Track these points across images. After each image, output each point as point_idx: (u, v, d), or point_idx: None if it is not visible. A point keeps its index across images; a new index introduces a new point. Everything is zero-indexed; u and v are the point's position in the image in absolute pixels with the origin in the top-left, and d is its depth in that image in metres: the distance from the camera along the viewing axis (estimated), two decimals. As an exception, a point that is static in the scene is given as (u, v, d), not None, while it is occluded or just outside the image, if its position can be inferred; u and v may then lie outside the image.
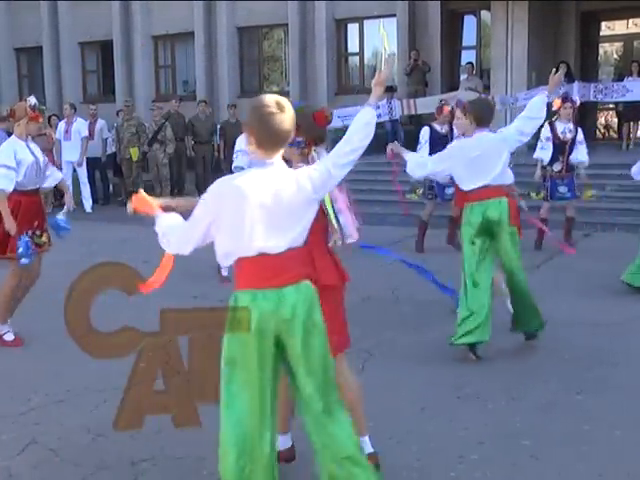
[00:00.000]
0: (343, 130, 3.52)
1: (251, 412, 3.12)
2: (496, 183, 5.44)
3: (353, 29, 18.01)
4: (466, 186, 5.52)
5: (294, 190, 3.06)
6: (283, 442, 3.77)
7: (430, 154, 7.21)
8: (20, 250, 5.78)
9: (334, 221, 3.57)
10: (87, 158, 14.45)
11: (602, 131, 18.42)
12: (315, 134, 3.54)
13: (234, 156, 7.51)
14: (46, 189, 6.66)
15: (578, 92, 14.09)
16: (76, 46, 20.62)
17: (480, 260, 5.41)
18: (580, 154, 9.28)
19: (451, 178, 5.95)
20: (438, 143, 8.53)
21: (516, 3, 14.85)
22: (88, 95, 20.68)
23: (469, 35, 17.65)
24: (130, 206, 3.44)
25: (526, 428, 4.26)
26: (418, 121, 14.63)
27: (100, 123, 15.42)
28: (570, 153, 9.24)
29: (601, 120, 18.49)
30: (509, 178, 5.76)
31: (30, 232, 5.94)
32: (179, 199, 3.82)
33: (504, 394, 4.77)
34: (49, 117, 14.84)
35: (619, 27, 18.68)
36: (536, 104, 5.64)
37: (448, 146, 5.84)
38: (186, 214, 3.24)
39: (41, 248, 6.10)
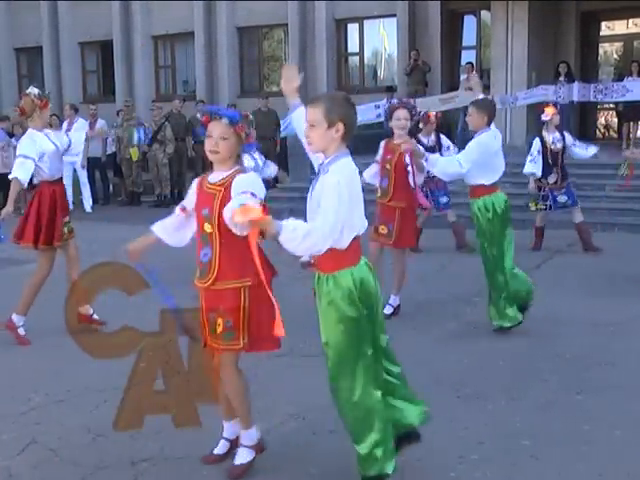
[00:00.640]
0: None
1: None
2: None
3: (353, 29, 17.98)
4: (487, 180, 5.94)
5: None
6: (243, 434, 3.82)
7: None
8: None
9: None
10: (87, 158, 14.45)
11: (602, 131, 18.40)
12: None
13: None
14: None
15: (578, 92, 14.27)
16: (76, 46, 20.62)
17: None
18: (582, 152, 9.27)
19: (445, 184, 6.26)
20: None
21: (516, 3, 14.86)
22: (88, 95, 20.67)
23: (469, 35, 17.62)
24: (238, 219, 3.01)
25: (526, 428, 4.25)
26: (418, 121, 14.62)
27: (100, 123, 15.41)
28: (563, 162, 9.17)
29: (601, 120, 18.46)
30: None
31: (67, 218, 6.18)
32: None
33: (504, 394, 4.77)
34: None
35: (619, 27, 18.57)
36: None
37: (469, 143, 5.93)
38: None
39: (71, 234, 6.28)
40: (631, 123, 14.91)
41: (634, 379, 5.04)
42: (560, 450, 3.99)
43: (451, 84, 16.53)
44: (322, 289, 3.38)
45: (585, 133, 15.77)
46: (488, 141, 5.87)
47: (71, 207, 6.63)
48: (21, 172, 5.85)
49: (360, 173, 3.54)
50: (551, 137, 9.10)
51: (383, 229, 6.32)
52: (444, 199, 9.26)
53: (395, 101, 6.23)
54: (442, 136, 9.44)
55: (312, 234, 3.16)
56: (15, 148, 6.75)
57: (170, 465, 3.93)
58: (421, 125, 8.96)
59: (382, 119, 15.41)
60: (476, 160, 5.73)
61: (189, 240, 3.78)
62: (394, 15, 16.85)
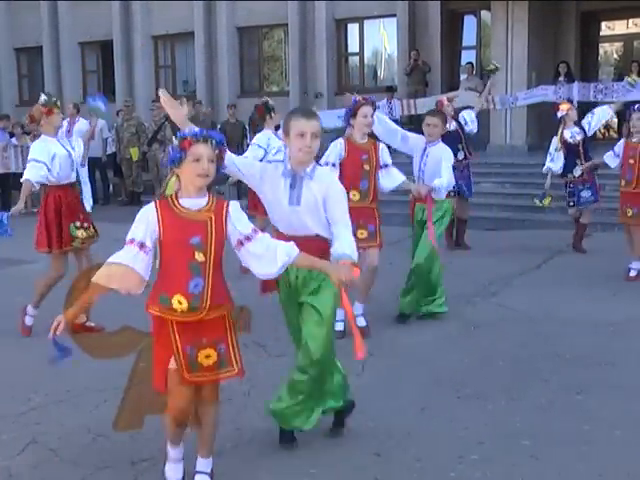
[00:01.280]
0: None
1: None
2: None
3: (353, 29, 17.99)
4: None
5: None
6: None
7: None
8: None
9: None
10: (87, 158, 14.45)
11: (602, 131, 18.37)
12: None
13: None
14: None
15: (578, 92, 14.15)
16: (76, 46, 20.62)
17: None
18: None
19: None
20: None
21: (516, 3, 14.85)
22: (88, 95, 20.69)
23: (469, 35, 17.63)
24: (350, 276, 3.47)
25: (526, 428, 4.25)
26: (418, 121, 14.67)
27: (100, 123, 15.40)
28: (586, 154, 9.12)
29: None
30: None
31: (78, 223, 6.17)
32: None
33: (504, 394, 4.77)
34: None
35: (619, 27, 18.67)
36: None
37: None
38: None
39: (91, 240, 6.31)
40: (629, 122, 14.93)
41: (634, 379, 5.04)
42: (560, 450, 3.98)
43: (451, 84, 16.52)
44: (313, 274, 3.83)
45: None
46: None
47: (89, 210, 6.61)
48: (32, 174, 5.93)
49: None
50: (569, 132, 9.10)
51: (362, 233, 5.91)
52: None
53: (356, 98, 5.93)
54: (461, 114, 9.77)
55: (352, 239, 3.75)
56: (15, 148, 6.77)
57: (170, 465, 3.92)
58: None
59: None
60: None
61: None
62: (394, 15, 16.86)
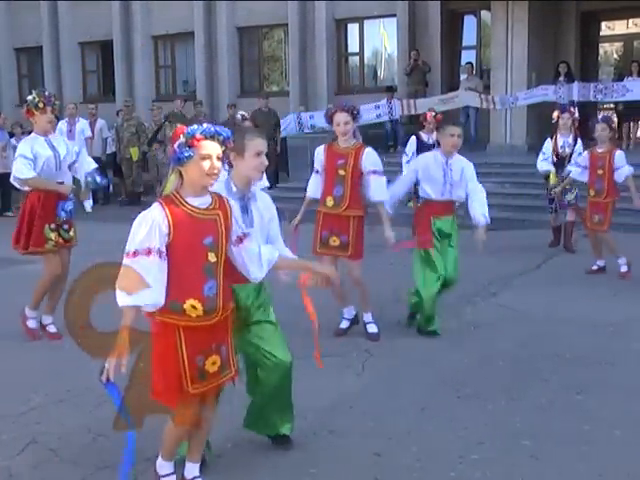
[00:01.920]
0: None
1: None
2: None
3: (353, 29, 17.99)
4: None
5: None
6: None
7: None
8: None
9: None
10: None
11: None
12: None
13: None
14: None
15: (578, 92, 14.30)
16: (76, 46, 20.63)
17: None
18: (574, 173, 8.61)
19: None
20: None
21: (516, 3, 14.88)
22: (88, 95, 20.69)
23: (469, 35, 17.65)
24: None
25: (526, 428, 4.25)
26: (419, 121, 14.71)
27: (100, 123, 15.44)
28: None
29: None
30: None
31: (54, 225, 5.99)
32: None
33: (504, 394, 4.77)
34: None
35: (619, 27, 18.78)
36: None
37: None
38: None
39: (69, 243, 6.17)
40: (631, 123, 14.96)
41: (634, 379, 5.04)
42: (560, 450, 3.99)
43: (451, 84, 16.57)
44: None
45: (585, 133, 15.78)
46: None
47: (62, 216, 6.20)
48: (24, 170, 5.86)
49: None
50: (561, 140, 9.18)
51: (335, 240, 5.79)
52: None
53: (331, 106, 5.86)
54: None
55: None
56: (15, 148, 6.74)
57: (170, 465, 3.92)
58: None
59: (382, 119, 15.48)
60: None
61: None
62: (394, 15, 16.87)
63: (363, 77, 18.19)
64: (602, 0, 15.66)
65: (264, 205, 3.79)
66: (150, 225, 3.09)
